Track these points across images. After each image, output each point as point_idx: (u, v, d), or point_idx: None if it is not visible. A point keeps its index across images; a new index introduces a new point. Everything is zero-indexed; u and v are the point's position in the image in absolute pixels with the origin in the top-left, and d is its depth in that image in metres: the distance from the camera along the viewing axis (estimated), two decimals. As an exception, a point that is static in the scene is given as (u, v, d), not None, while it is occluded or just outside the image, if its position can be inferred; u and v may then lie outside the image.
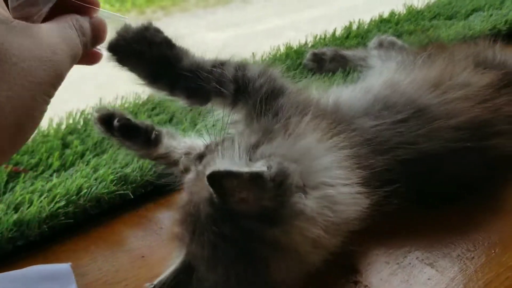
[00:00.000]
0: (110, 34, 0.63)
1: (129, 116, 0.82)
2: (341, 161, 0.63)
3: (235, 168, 0.54)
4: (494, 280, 0.66)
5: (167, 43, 0.72)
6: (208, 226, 0.57)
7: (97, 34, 0.51)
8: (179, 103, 0.76)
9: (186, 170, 0.78)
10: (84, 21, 0.49)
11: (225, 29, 4.28)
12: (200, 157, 0.67)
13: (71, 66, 0.47)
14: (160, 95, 0.76)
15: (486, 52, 0.95)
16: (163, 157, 0.82)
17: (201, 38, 3.96)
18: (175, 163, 0.81)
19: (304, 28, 3.92)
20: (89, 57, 0.54)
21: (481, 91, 0.80)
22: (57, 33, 0.46)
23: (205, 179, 0.54)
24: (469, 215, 0.77)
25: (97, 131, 0.83)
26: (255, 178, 0.53)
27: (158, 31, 0.72)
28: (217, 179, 0.54)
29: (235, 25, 4.33)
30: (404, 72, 0.89)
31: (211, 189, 0.55)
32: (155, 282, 0.61)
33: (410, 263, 0.68)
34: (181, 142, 0.83)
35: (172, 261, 0.63)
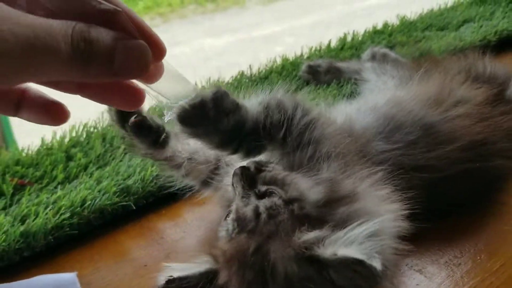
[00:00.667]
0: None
1: (146, 114, 0.80)
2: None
3: (365, 258, 0.53)
4: (478, 285, 0.69)
5: (236, 107, 0.67)
6: (292, 285, 0.56)
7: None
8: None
9: (188, 174, 0.82)
10: (104, 33, 0.40)
11: (223, 35, 4.32)
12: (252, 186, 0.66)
13: (20, 56, 0.37)
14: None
15: (477, 65, 0.98)
16: (166, 159, 0.82)
17: (200, 44, 4.00)
18: (178, 166, 0.82)
19: (302, 34, 3.96)
20: (127, 91, 0.48)
21: (480, 109, 0.83)
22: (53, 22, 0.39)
23: (335, 260, 0.54)
24: (457, 223, 0.80)
25: (108, 121, 0.82)
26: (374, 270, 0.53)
27: (228, 95, 0.67)
28: (345, 265, 0.54)
29: (233, 31, 4.37)
30: (405, 88, 0.92)
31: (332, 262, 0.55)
32: (176, 275, 0.60)
33: (400, 270, 0.72)
34: (185, 145, 0.82)
35: (196, 261, 0.62)
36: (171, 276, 0.60)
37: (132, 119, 0.78)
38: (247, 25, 4.53)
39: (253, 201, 0.64)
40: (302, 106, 0.71)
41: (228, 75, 1.25)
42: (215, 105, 0.64)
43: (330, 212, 0.60)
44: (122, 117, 0.79)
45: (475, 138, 0.79)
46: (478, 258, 0.74)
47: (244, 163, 0.71)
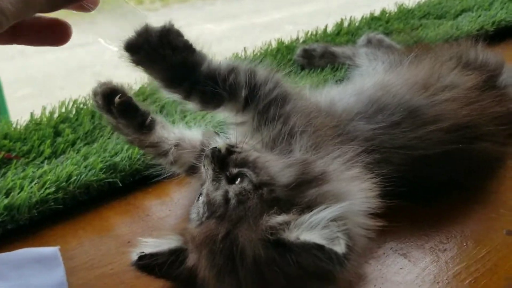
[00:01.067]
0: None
1: (131, 95, 0.80)
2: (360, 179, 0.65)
3: (325, 243, 0.53)
4: (463, 272, 0.68)
5: (189, 48, 0.71)
6: (260, 268, 0.57)
7: None
8: (189, 106, 0.76)
9: (175, 161, 0.81)
10: None
11: (223, 20, 4.29)
12: (223, 167, 0.66)
13: None
14: (173, 97, 0.76)
15: (469, 53, 0.98)
16: (153, 146, 0.81)
17: (199, 29, 3.98)
18: (164, 153, 0.81)
19: (302, 21, 3.94)
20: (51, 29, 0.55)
21: (468, 93, 0.83)
22: None
23: (295, 244, 0.55)
24: (445, 208, 0.79)
25: (94, 105, 0.81)
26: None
27: (179, 34, 0.71)
28: (307, 249, 0.54)
29: (233, 17, 4.34)
30: (393, 72, 0.91)
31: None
32: (146, 251, 0.62)
33: (384, 253, 0.71)
34: (171, 133, 0.82)
35: (168, 239, 0.64)
36: (143, 252, 0.62)
37: (117, 98, 0.77)
38: (247, 12, 4.50)
39: (224, 185, 0.64)
40: (275, 79, 0.73)
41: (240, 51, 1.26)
42: (160, 36, 0.69)
43: (300, 195, 0.60)
44: (107, 101, 0.78)
45: (460, 121, 0.78)
46: (464, 244, 0.73)
47: (216, 144, 0.71)
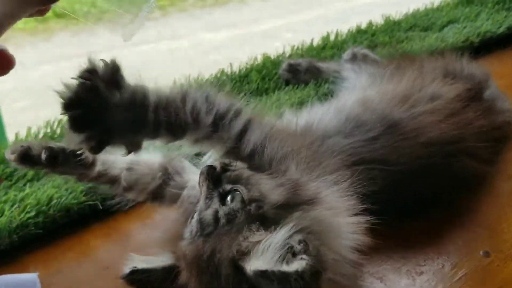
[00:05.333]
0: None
1: (50, 144, 0.76)
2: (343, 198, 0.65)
3: (277, 268, 0.53)
4: (438, 295, 0.69)
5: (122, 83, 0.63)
6: (226, 285, 0.58)
7: None
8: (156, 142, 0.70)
9: (130, 187, 0.79)
10: None
11: (222, 29, 4.30)
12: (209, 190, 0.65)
13: None
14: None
15: (454, 64, 0.98)
16: (101, 175, 0.78)
17: (198, 38, 3.99)
18: (116, 179, 0.79)
19: (301, 29, 3.94)
20: None
21: (450, 104, 0.83)
22: None
23: (253, 276, 0.54)
24: (422, 228, 0.79)
25: (20, 169, 0.80)
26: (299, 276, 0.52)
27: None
28: (261, 276, 0.54)
29: (231, 26, 4.34)
30: (375, 87, 0.91)
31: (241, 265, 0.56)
32: (139, 267, 0.64)
33: (360, 277, 0.71)
34: (120, 156, 0.74)
35: (160, 256, 0.65)
36: (135, 267, 0.63)
37: (43, 155, 0.74)
38: (246, 20, 4.50)
39: (215, 203, 0.64)
40: (236, 108, 0.70)
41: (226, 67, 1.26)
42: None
43: (286, 215, 0.60)
44: (29, 160, 0.76)
45: (440, 135, 0.78)
46: (441, 266, 0.73)
47: (211, 162, 0.71)
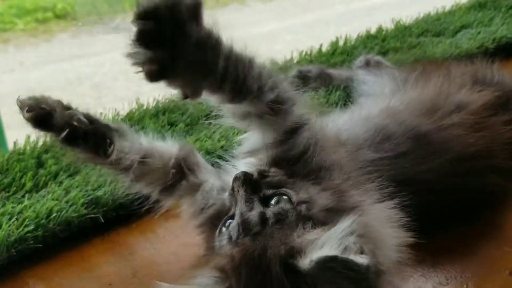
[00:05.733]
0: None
1: (74, 121, 0.70)
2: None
3: (347, 255, 0.50)
4: (462, 316, 0.65)
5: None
6: (278, 285, 0.53)
7: None
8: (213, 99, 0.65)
9: (139, 179, 0.73)
10: None
11: (222, 31, 4.27)
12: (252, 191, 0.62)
13: None
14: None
15: (485, 71, 0.94)
16: (113, 163, 0.72)
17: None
18: (127, 169, 0.72)
19: (301, 31, 3.92)
20: None
21: (477, 115, 0.79)
22: None
23: (312, 268, 0.51)
24: (445, 245, 0.75)
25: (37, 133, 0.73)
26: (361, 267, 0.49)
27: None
28: (328, 264, 0.50)
29: (232, 28, 4.33)
30: (400, 95, 0.87)
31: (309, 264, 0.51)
32: None
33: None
34: (136, 143, 0.73)
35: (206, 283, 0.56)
36: None
37: (64, 133, 0.69)
38: (246, 22, 4.49)
39: (258, 206, 0.61)
40: (296, 98, 0.68)
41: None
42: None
43: (335, 218, 0.57)
44: (44, 124, 0.70)
45: (467, 150, 0.75)
46: (464, 286, 0.70)
47: (245, 169, 0.67)
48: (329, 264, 0.50)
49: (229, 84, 0.61)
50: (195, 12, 0.56)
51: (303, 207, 0.59)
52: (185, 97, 0.60)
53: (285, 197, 0.61)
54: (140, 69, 0.55)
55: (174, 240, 0.80)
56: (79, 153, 0.71)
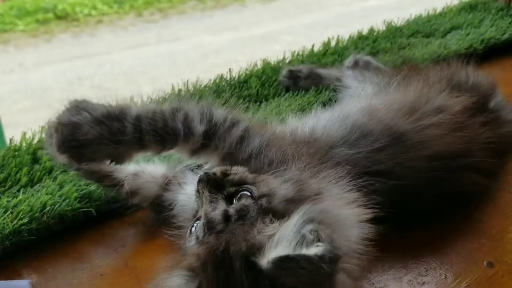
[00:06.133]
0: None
1: None
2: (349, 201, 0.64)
3: (298, 252, 0.52)
4: (440, 306, 0.67)
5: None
6: (240, 281, 0.55)
7: None
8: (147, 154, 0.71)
9: (134, 193, 0.80)
10: None
11: (222, 32, 4.29)
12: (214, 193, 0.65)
13: None
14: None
15: (460, 74, 0.96)
16: (107, 176, 0.79)
17: (198, 40, 3.98)
18: (120, 183, 0.79)
19: (301, 33, 3.94)
20: None
21: (456, 117, 0.81)
22: None
23: (269, 262, 0.53)
24: (425, 238, 0.78)
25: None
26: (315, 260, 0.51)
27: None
28: (281, 264, 0.52)
29: (232, 29, 4.34)
30: (381, 96, 0.90)
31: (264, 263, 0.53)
32: None
33: (361, 286, 0.70)
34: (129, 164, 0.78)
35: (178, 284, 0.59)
36: None
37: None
38: (246, 23, 4.51)
39: (222, 204, 0.63)
40: (233, 117, 0.72)
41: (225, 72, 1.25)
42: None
43: (295, 208, 0.59)
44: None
45: (446, 148, 0.77)
46: (443, 277, 0.72)
47: (207, 170, 0.70)
48: (283, 263, 0.51)
49: (150, 137, 0.68)
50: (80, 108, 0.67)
51: (263, 201, 0.61)
52: (116, 163, 0.69)
53: (247, 193, 0.63)
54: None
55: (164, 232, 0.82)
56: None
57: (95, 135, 0.65)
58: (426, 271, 0.73)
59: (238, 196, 0.64)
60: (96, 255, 0.79)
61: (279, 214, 0.60)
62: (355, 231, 0.61)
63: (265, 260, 0.53)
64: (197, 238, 0.62)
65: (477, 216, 0.83)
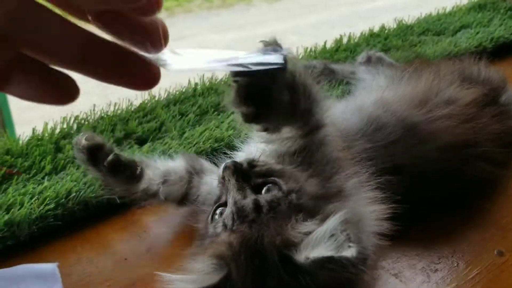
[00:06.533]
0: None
1: (117, 151, 0.80)
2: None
3: (338, 254, 0.54)
4: (453, 292, 0.70)
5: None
6: (276, 273, 0.57)
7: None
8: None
9: (168, 198, 0.81)
10: None
11: (228, 31, 4.32)
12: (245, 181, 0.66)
13: None
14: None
15: (471, 69, 0.98)
16: (144, 191, 0.81)
17: (204, 39, 4.00)
18: (155, 194, 0.81)
19: (306, 32, 3.96)
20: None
21: (466, 109, 0.84)
22: None
23: (309, 260, 0.55)
24: (437, 228, 0.80)
25: (79, 160, 0.80)
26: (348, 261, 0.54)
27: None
28: (323, 264, 0.54)
29: (238, 28, 4.37)
30: (393, 88, 0.92)
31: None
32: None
33: (376, 273, 0.72)
34: (156, 169, 0.82)
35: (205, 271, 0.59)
36: None
37: (110, 157, 0.77)
38: (252, 22, 4.53)
39: (250, 194, 0.64)
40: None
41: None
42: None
43: (323, 206, 0.61)
44: (94, 157, 0.78)
45: (456, 139, 0.79)
46: (455, 265, 0.74)
47: (234, 159, 0.72)
48: (325, 264, 0.54)
49: (300, 117, 0.69)
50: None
51: (293, 196, 0.62)
52: (266, 130, 0.70)
53: (275, 185, 0.64)
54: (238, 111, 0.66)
55: (185, 221, 0.84)
56: (116, 184, 0.80)
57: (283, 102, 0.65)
58: (439, 259, 0.76)
59: (266, 188, 0.65)
60: (119, 240, 0.82)
61: (309, 211, 0.61)
62: (375, 228, 0.64)
63: (302, 256, 0.55)
64: (225, 225, 0.63)
65: (488, 207, 0.86)
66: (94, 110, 1.06)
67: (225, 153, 0.86)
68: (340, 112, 0.84)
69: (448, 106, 0.83)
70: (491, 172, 0.83)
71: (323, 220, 0.58)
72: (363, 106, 0.85)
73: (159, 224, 0.85)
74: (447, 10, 1.65)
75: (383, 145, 0.76)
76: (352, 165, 0.71)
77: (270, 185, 0.65)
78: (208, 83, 1.19)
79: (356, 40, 1.41)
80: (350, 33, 1.42)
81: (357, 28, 1.51)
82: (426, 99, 0.84)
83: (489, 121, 0.85)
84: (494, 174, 0.84)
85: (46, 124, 1.02)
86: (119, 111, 1.08)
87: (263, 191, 0.64)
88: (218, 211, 0.67)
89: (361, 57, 1.23)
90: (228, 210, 0.64)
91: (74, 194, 0.84)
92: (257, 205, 0.62)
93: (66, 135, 1.00)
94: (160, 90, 1.14)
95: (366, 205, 0.65)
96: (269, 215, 0.61)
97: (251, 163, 0.68)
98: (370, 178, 0.69)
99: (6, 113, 2.06)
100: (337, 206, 0.61)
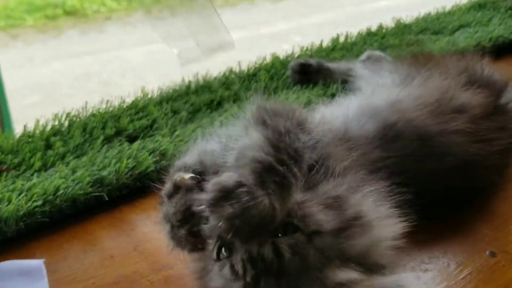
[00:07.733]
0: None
1: None
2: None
3: None
4: (442, 292, 0.68)
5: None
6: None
7: None
8: None
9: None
10: None
11: (231, 31, 4.30)
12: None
13: None
14: None
15: (475, 67, 0.95)
16: None
17: (207, 39, 4.00)
18: None
19: (310, 33, 3.95)
20: None
21: (476, 123, 0.80)
22: None
23: None
24: (430, 227, 0.78)
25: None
26: None
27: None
28: None
29: (241, 28, 4.36)
30: (405, 89, 0.87)
31: None
32: None
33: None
34: None
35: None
36: None
37: None
38: (255, 22, 4.53)
39: (267, 238, 0.53)
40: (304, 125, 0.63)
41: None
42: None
43: (347, 242, 0.55)
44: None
45: (467, 159, 0.77)
46: (446, 265, 0.73)
47: None
48: None
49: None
50: None
51: (317, 239, 0.54)
52: None
53: (292, 225, 0.54)
54: None
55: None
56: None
57: None
58: (429, 258, 0.74)
59: (283, 230, 0.54)
60: (106, 237, 0.81)
61: (336, 252, 0.54)
62: (388, 243, 0.60)
63: None
64: (235, 275, 0.54)
65: (480, 207, 0.84)
66: (86, 107, 1.06)
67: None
68: (351, 115, 0.78)
69: (461, 116, 0.80)
70: (492, 179, 0.82)
71: (371, 268, 0.56)
72: (377, 110, 0.79)
73: (147, 222, 0.84)
74: (447, 9, 1.64)
75: (398, 156, 0.72)
76: (366, 178, 0.64)
77: (288, 226, 0.55)
78: (202, 81, 1.19)
79: (353, 39, 1.40)
80: (347, 32, 1.41)
81: (361, 28, 1.50)
82: (441, 107, 0.80)
83: (496, 132, 0.82)
84: (493, 180, 0.83)
85: (37, 121, 1.02)
86: (111, 108, 1.07)
87: (280, 234, 0.55)
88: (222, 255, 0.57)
89: (362, 56, 1.21)
90: (237, 258, 0.54)
91: (62, 191, 0.83)
92: (277, 252, 0.53)
93: (57, 132, 1.00)
94: (153, 87, 1.14)
95: (383, 227, 0.60)
96: (295, 263, 0.53)
97: None
98: (387, 194, 0.63)
99: (5, 111, 2.06)
100: (364, 242, 0.56)
